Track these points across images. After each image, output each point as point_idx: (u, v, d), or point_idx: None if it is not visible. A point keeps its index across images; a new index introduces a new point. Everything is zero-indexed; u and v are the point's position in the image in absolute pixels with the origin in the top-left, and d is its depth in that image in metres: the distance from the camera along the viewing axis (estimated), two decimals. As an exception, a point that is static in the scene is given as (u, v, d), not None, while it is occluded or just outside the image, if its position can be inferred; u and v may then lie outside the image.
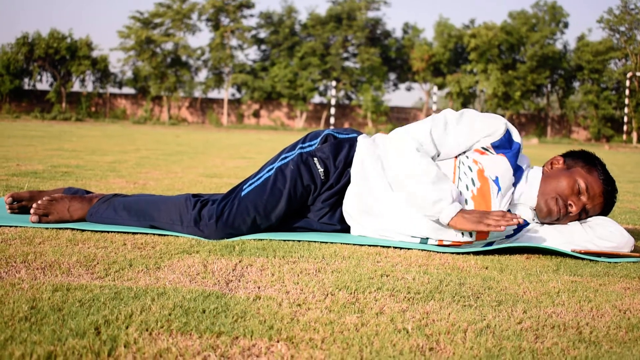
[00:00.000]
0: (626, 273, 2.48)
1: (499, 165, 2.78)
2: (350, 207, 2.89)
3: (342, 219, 2.95)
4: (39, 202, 2.90)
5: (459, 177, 2.78)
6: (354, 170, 2.88)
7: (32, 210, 2.88)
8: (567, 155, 2.98)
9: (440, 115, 2.81)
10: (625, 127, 37.46)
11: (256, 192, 2.83)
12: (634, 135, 39.98)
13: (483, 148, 2.80)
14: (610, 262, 2.68)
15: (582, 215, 2.88)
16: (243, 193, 2.84)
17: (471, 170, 2.77)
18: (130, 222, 2.90)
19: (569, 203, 2.83)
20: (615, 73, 42.33)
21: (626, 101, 36.39)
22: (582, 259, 2.73)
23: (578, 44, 44.42)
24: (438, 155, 2.81)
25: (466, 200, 2.75)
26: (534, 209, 2.87)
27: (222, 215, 2.78)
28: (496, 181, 2.76)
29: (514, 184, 2.85)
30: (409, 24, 48.20)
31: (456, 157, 2.84)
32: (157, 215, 2.87)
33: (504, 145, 2.81)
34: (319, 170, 2.87)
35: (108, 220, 2.92)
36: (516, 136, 2.86)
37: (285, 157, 2.90)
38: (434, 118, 2.80)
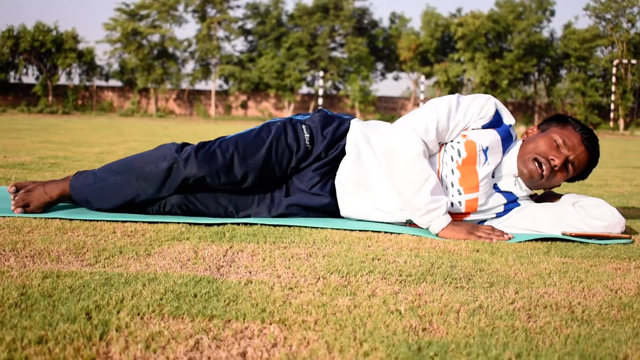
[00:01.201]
0: (616, 254, 2.48)
1: (488, 136, 2.82)
2: (344, 178, 2.92)
3: (332, 191, 2.95)
4: (16, 197, 2.88)
5: (445, 150, 2.81)
6: (349, 145, 2.93)
7: (12, 206, 2.86)
8: (541, 123, 3.02)
9: (444, 108, 2.80)
10: (612, 114, 37.58)
11: (240, 136, 2.92)
12: (621, 122, 40.05)
13: (472, 129, 2.83)
14: (601, 244, 2.68)
15: (570, 169, 2.87)
16: (228, 137, 2.92)
17: (459, 143, 2.80)
18: (114, 181, 2.87)
19: (551, 158, 2.82)
20: (601, 60, 42.40)
21: (613, 88, 36.52)
22: (573, 241, 2.73)
23: (565, 32, 44.47)
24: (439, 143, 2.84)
25: (452, 171, 2.78)
26: (517, 176, 2.88)
27: (202, 147, 2.85)
28: (485, 151, 2.79)
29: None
30: (395, 13, 48.26)
31: None
32: (142, 161, 2.88)
33: (493, 125, 2.83)
34: (305, 135, 2.93)
35: (90, 187, 2.89)
36: (507, 118, 2.89)
37: (275, 119, 3.01)
38: (437, 111, 2.79)
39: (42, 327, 1.41)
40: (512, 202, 2.90)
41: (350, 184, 2.91)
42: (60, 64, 43.96)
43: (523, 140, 2.94)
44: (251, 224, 2.78)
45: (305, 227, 2.78)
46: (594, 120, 41.81)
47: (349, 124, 3.01)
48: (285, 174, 2.95)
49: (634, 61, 39.05)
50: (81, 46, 45.26)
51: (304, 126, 2.96)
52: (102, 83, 46.78)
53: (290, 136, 2.91)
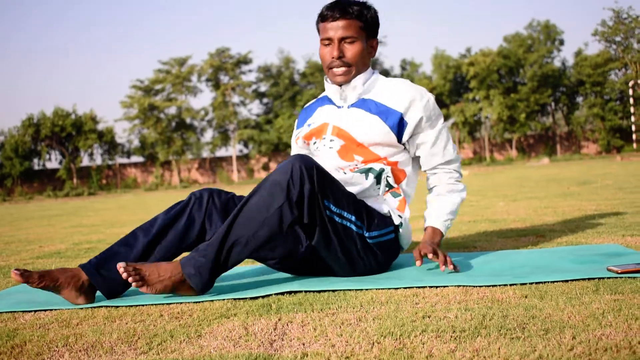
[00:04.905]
0: (667, 285, 2.45)
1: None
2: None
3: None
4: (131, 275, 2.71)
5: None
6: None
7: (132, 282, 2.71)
8: None
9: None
10: (634, 136, 37.36)
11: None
12: (644, 142, 39.81)
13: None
14: (649, 276, 2.64)
15: (347, 36, 3.05)
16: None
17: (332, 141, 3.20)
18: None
19: (331, 57, 3.07)
20: (617, 83, 42.37)
21: (632, 110, 36.38)
22: (620, 277, 2.70)
23: (576, 59, 44.58)
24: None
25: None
26: (338, 90, 3.19)
27: None
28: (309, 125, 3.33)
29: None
30: (406, 60, 48.54)
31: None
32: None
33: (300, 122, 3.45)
34: None
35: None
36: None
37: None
38: None
39: None
40: (386, 115, 3.10)
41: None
42: (82, 146, 44.68)
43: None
44: (295, 292, 2.78)
45: (350, 290, 2.77)
46: (616, 144, 41.63)
47: None
48: None
49: (649, 81, 38.90)
50: (100, 126, 46.09)
51: None
52: (125, 160, 47.44)
53: None
